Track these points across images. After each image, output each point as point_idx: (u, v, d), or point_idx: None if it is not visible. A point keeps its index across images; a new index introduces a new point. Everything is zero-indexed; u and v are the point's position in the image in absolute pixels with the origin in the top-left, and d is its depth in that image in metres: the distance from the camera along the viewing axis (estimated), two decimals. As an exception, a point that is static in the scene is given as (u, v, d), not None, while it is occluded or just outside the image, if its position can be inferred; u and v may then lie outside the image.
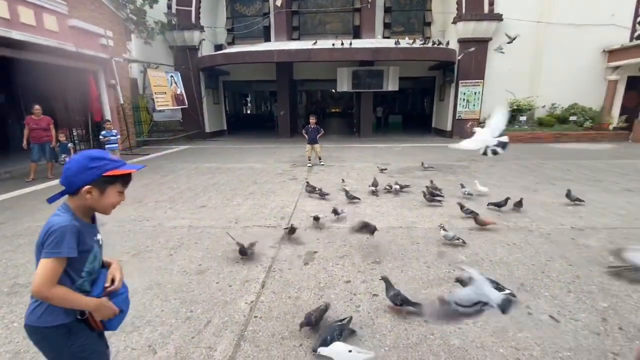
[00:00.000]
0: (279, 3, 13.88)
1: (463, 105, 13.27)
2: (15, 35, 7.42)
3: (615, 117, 12.94)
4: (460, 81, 13.03)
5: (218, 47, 15.29)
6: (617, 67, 12.69)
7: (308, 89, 23.90)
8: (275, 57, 12.50)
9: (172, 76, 13.28)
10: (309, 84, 19.03)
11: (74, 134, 11.23)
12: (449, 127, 13.87)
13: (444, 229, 3.54)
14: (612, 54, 12.72)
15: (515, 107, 12.77)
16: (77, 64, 9.82)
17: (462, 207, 4.30)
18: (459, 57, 12.62)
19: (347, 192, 5.22)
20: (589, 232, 3.84)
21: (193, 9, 13.47)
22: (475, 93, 13.12)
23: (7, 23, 7.40)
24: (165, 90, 12.91)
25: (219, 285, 2.84)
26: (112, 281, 1.29)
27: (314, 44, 12.74)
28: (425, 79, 15.86)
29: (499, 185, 6.00)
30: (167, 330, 2.27)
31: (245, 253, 3.25)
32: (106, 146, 7.81)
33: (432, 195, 5.00)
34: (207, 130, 15.17)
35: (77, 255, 1.15)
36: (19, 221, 4.57)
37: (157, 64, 13.49)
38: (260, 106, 32.64)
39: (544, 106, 13.23)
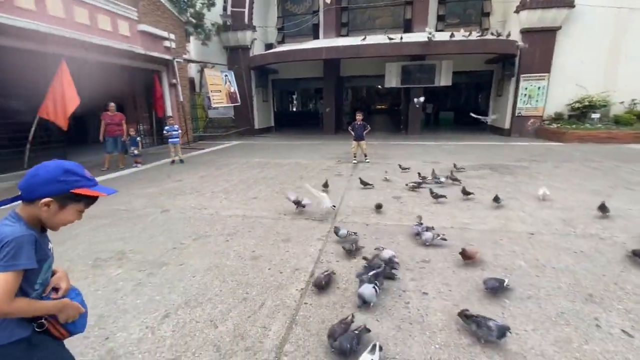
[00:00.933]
0: (328, 0, 13.96)
1: (524, 101, 12.27)
2: (95, 40, 8.38)
3: None
4: (521, 75, 12.06)
5: (268, 46, 15.84)
6: None
7: (355, 85, 23.73)
8: (323, 54, 12.63)
9: (226, 75, 14.05)
10: (356, 80, 18.88)
11: (140, 129, 12.42)
12: (507, 125, 12.93)
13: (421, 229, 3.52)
14: None
15: (587, 103, 11.50)
16: (144, 64, 10.83)
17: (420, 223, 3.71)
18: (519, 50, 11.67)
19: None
20: (677, 244, 3.37)
21: (246, 9, 14.09)
22: (538, 88, 12.06)
23: (87, 29, 8.39)
24: (220, 89, 13.70)
25: (271, 272, 3.00)
26: (57, 290, 1.19)
27: (363, 39, 12.63)
28: (481, 73, 14.90)
29: (564, 188, 5.49)
30: (226, 309, 2.47)
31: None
32: (169, 140, 8.54)
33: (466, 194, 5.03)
34: (257, 126, 15.83)
35: (36, 266, 1.07)
36: (98, 204, 5.19)
37: (212, 64, 14.36)
38: (306, 103, 33.24)
39: (622, 102, 11.73)
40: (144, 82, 11.62)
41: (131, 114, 11.94)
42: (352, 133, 8.30)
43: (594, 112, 11.51)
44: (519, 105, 12.35)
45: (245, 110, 15.22)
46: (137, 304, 2.58)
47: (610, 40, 11.52)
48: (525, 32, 11.73)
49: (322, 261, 3.18)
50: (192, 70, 15.17)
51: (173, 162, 8.68)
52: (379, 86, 30.09)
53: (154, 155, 10.36)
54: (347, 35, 14.92)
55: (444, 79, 13.15)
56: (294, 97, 30.36)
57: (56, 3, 7.58)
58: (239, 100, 14.51)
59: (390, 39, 12.09)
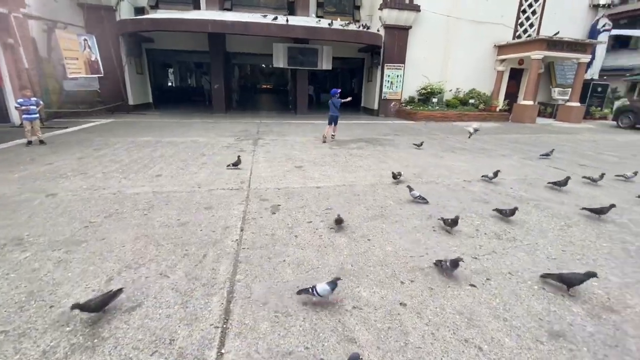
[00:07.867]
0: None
1: (387, 87, 14.83)
2: None
3: (501, 101, 15.98)
4: (385, 64, 14.46)
5: (139, 10, 13.91)
6: (503, 60, 15.57)
7: (241, 62, 23.18)
8: (209, 28, 12.05)
9: (85, 39, 11.85)
10: (243, 57, 18.59)
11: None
12: (376, 106, 15.38)
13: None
14: (500, 48, 15.52)
15: (429, 90, 14.80)
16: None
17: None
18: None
19: None
20: (474, 182, 5.30)
21: (108, -38, 11.98)
22: (397, 76, 14.74)
23: None
24: (77, 55, 11.56)
25: (203, 232, 3.36)
26: None
27: (265, 17, 12.79)
28: (355, 60, 16.98)
29: (414, 153, 7.40)
30: (172, 263, 2.78)
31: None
32: (24, 116, 6.99)
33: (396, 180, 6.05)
34: (131, 102, 13.99)
35: None
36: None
37: (65, 24, 11.80)
38: (185, 78, 30.45)
39: (451, 90, 15.59)
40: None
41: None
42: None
43: (434, 97, 14.96)
44: (384, 90, 14.87)
45: (115, 83, 13.22)
46: (70, 276, 2.60)
47: (444, 41, 14.98)
48: (387, 28, 14.04)
49: (248, 219, 3.71)
50: (34, 29, 12.04)
51: (30, 143, 7.19)
52: (263, 65, 30.13)
53: (-7, 135, 8.21)
54: (230, 9, 14.50)
55: (325, 63, 14.52)
56: (170, 70, 27.39)
57: None
58: (102, 70, 12.51)
59: (275, 18, 12.56)
